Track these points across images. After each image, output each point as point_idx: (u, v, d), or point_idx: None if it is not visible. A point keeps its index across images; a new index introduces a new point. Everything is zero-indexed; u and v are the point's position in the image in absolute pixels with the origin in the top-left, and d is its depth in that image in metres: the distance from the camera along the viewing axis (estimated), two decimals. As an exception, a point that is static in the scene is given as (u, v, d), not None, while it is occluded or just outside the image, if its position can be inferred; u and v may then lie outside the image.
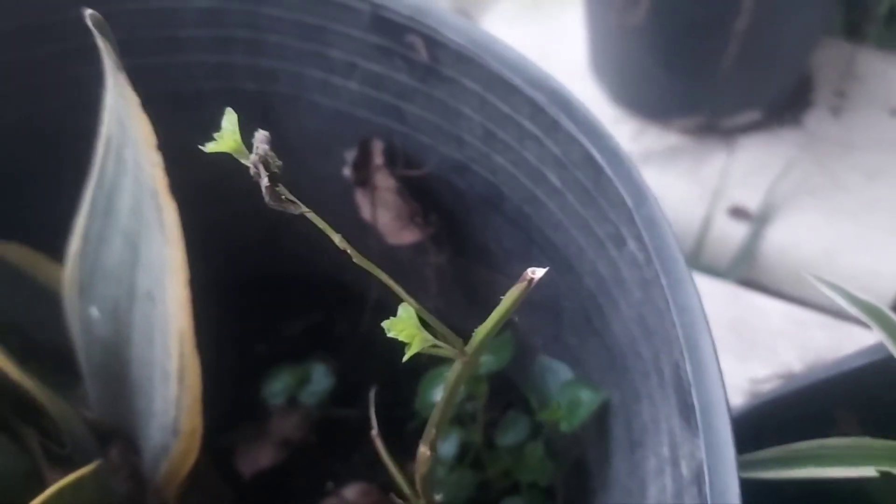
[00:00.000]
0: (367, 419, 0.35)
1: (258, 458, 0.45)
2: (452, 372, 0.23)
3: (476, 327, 0.24)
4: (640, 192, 0.29)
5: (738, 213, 0.78)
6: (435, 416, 0.24)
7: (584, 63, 0.88)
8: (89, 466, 0.34)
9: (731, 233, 0.77)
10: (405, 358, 0.21)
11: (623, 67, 0.81)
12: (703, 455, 0.25)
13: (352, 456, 0.46)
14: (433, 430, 0.24)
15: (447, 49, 0.35)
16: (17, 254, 0.44)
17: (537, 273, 0.20)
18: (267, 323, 0.51)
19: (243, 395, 0.47)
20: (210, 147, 0.20)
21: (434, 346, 0.22)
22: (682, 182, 0.80)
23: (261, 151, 0.19)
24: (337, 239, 0.21)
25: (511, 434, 0.40)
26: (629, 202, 0.30)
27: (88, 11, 0.25)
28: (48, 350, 0.44)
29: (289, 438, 0.45)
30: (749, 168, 0.80)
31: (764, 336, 0.58)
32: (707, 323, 0.26)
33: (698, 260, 0.75)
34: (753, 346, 0.58)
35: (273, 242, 0.49)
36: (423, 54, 0.35)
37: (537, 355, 0.41)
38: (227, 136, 0.19)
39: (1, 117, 0.42)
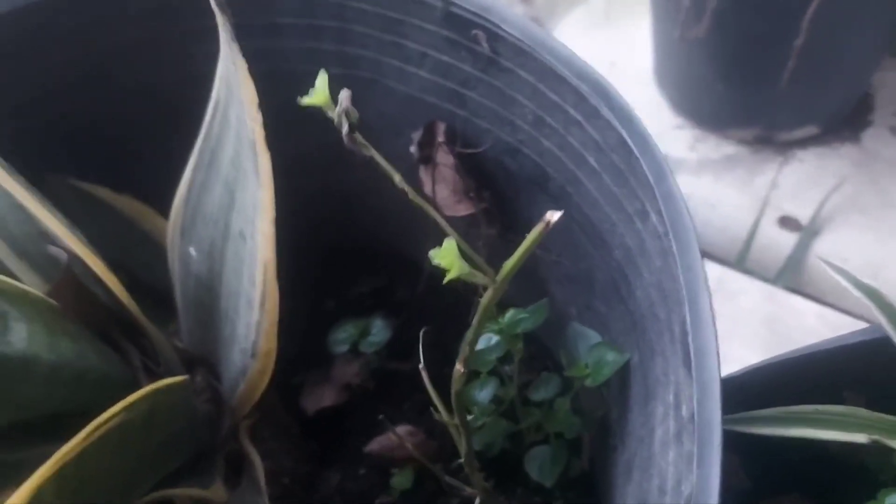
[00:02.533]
0: (418, 373, 0.40)
1: (322, 398, 0.51)
2: (484, 297, 0.28)
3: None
4: (661, 170, 0.34)
5: (787, 223, 0.81)
6: (468, 336, 0.29)
7: (649, 72, 0.92)
8: (179, 377, 0.40)
9: (780, 242, 0.80)
10: (445, 280, 0.27)
11: (685, 78, 0.85)
12: (694, 391, 0.29)
13: (403, 404, 0.52)
14: (467, 348, 0.29)
15: (507, 43, 0.40)
16: (128, 205, 0.51)
17: (554, 216, 0.25)
18: (337, 284, 0.57)
19: (313, 344, 0.53)
20: (304, 101, 0.25)
21: (470, 273, 0.27)
22: (736, 191, 0.83)
23: (344, 104, 0.24)
24: (397, 178, 0.26)
25: (543, 390, 0.45)
26: (651, 179, 0.34)
27: (213, -7, 0.31)
28: (149, 289, 0.51)
29: (349, 383, 0.51)
30: (802, 181, 0.82)
31: (797, 335, 0.61)
32: (706, 281, 0.31)
33: (743, 265, 0.78)
34: (786, 344, 0.61)
35: (346, 215, 0.56)
36: (485, 47, 0.41)
37: (571, 323, 0.46)
38: (319, 93, 0.25)
39: (124, 86, 0.49)
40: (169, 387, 0.37)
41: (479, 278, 0.27)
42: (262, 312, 0.37)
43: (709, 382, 0.29)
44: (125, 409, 0.34)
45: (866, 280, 0.75)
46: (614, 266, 0.40)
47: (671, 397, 0.34)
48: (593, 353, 0.42)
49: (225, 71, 0.36)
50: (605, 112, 0.37)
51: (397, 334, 0.53)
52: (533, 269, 0.48)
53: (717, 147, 0.85)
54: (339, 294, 0.57)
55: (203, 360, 0.47)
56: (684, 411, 0.32)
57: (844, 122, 0.86)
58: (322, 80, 0.25)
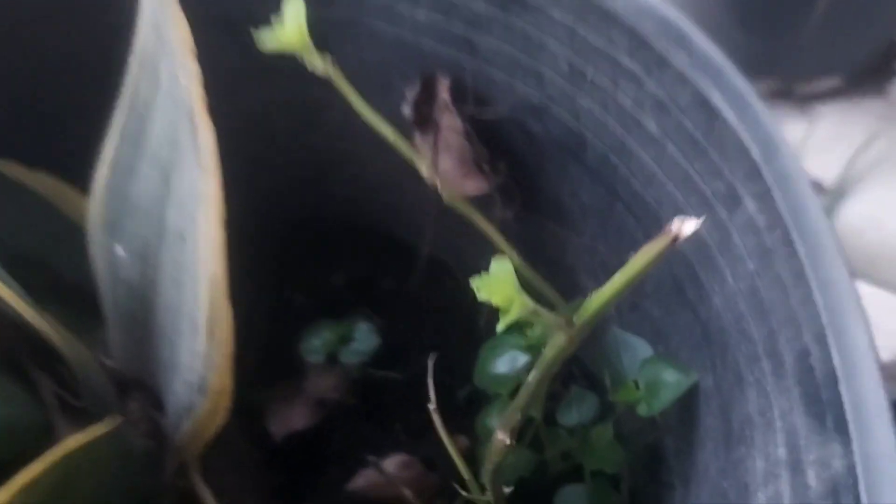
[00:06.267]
0: (412, 384, 0.32)
1: (291, 418, 0.42)
2: (551, 347, 0.18)
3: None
4: (772, 142, 0.24)
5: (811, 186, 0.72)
6: (521, 400, 0.19)
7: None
8: (103, 426, 0.30)
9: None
10: (500, 327, 0.17)
11: (699, 24, 0.75)
12: (852, 464, 0.21)
13: (393, 424, 0.43)
14: (517, 416, 0.20)
15: (536, -32, 0.30)
16: (44, 184, 0.40)
17: (686, 226, 0.16)
18: (308, 272, 0.47)
19: (278, 349, 0.43)
20: (271, 42, 0.15)
21: (534, 312, 0.17)
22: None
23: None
24: (390, 134, 0.16)
25: (575, 412, 0.36)
26: (755, 154, 0.25)
27: None
28: (73, 289, 0.40)
29: (325, 400, 0.42)
30: (826, 139, 0.74)
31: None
32: (860, 304, 0.22)
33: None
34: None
35: (320, 184, 0.45)
36: (506, -26, 0.30)
37: (610, 326, 0.37)
38: (291, 29, 0.15)
39: (40, 52, 0.39)
40: (89, 445, 0.27)
41: (547, 319, 0.17)
42: (212, 342, 0.27)
43: (880, 457, 0.20)
44: (23, 490, 0.24)
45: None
46: (678, 261, 0.31)
47: (780, 451, 0.25)
48: (646, 371, 0.32)
49: (151, 11, 0.25)
50: (676, 60, 0.27)
51: (385, 335, 0.43)
52: (559, 254, 0.39)
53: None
54: (311, 286, 0.47)
55: (139, 384, 0.37)
56: (812, 479, 0.23)
57: (868, 72, 0.78)
58: (295, 9, 0.15)
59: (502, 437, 0.21)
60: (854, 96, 0.77)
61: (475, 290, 0.17)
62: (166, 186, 0.27)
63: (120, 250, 0.33)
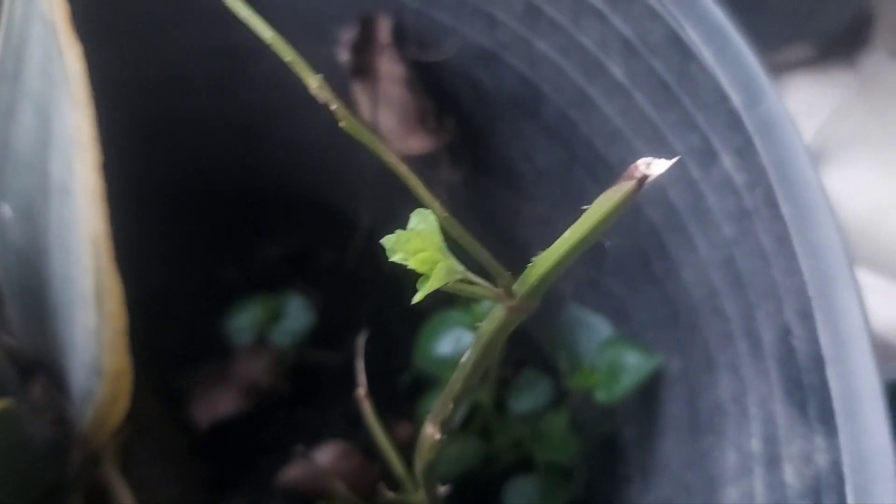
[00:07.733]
0: (351, 366, 0.28)
1: (218, 404, 0.38)
2: (489, 322, 0.15)
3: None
4: (754, 85, 0.21)
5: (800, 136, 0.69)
6: (454, 387, 0.16)
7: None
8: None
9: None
10: (418, 297, 0.13)
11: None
12: (838, 459, 0.17)
13: (330, 409, 0.39)
14: (449, 405, 0.16)
15: None
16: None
17: (653, 168, 0.12)
18: (237, 244, 0.43)
19: (205, 328, 0.39)
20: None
21: (465, 280, 0.14)
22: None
23: None
24: (315, 82, 0.13)
25: (527, 398, 0.32)
26: (735, 100, 0.21)
27: None
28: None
29: (256, 384, 0.38)
30: (796, 113, 0.71)
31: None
32: (853, 273, 0.18)
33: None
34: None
35: (248, 148, 0.41)
36: None
37: (565, 303, 0.33)
38: None
39: None
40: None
41: (482, 289, 0.14)
42: (101, 315, 0.23)
43: (873, 453, 0.17)
44: None
45: (872, 222, 0.65)
46: (643, 230, 0.28)
47: (755, 443, 0.22)
48: (606, 353, 0.29)
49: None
50: (646, -7, 0.24)
51: (321, 313, 0.39)
52: (510, 226, 0.35)
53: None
54: (241, 259, 0.43)
55: (43, 366, 0.33)
56: (790, 475, 0.20)
57: (839, 41, 0.75)
58: None
59: (432, 432, 0.17)
60: (825, 67, 0.74)
61: (388, 251, 0.14)
62: (47, 129, 0.23)
63: (6, 209, 0.28)
